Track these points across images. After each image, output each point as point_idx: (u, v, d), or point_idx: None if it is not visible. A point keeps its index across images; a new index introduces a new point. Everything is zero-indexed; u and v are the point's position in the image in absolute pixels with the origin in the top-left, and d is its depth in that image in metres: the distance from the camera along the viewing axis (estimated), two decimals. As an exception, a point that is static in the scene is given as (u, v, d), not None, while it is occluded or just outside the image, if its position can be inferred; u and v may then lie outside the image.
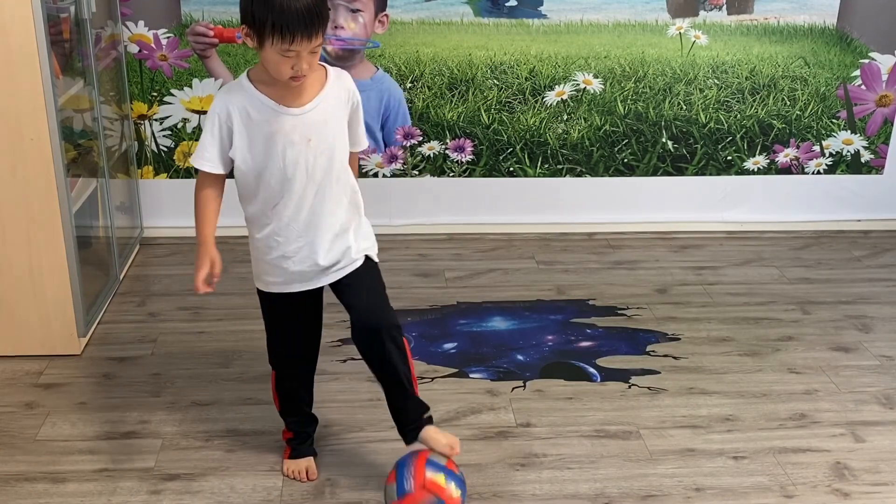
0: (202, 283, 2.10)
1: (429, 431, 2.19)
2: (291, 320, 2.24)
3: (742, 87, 3.75)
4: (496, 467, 2.39)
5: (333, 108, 2.07)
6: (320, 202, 2.09)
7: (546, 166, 3.80)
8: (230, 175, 2.12)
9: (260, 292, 2.24)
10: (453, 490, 2.10)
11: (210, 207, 2.12)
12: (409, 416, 2.22)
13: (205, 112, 3.64)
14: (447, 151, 3.76)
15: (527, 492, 2.30)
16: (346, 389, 2.70)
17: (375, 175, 3.77)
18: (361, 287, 2.17)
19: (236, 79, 2.07)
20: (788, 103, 3.80)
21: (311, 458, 2.35)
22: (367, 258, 2.20)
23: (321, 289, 2.20)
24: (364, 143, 2.21)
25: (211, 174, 2.08)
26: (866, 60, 3.75)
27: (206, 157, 2.05)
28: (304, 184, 2.06)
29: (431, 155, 3.77)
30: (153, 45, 3.54)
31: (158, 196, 3.75)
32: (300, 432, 2.36)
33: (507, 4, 3.61)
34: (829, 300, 3.35)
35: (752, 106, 3.79)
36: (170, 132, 3.67)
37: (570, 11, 3.62)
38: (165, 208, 3.76)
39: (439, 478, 2.09)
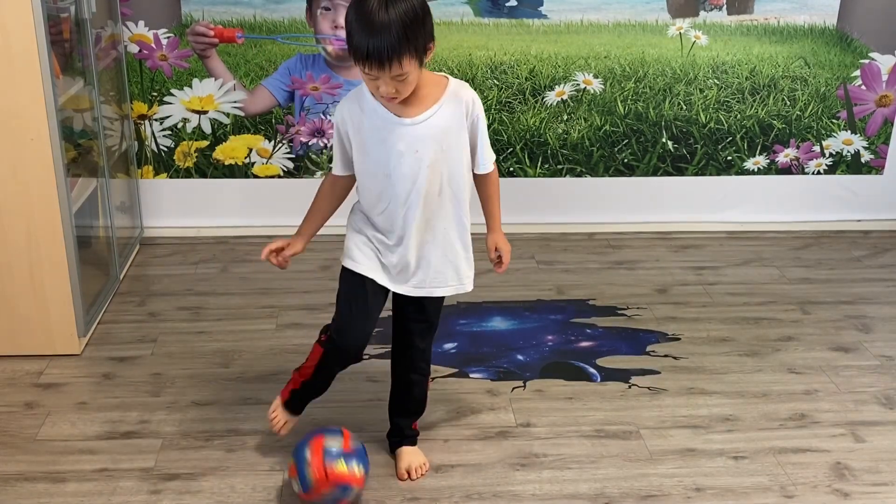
0: (268, 249, 2.20)
1: (402, 451, 2.37)
2: (364, 306, 2.20)
3: (742, 88, 3.75)
4: (496, 467, 2.39)
5: (447, 121, 2.04)
6: (428, 217, 2.10)
7: (546, 166, 3.80)
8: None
9: (344, 270, 2.22)
10: (356, 471, 2.14)
11: (318, 206, 2.22)
12: (398, 429, 2.40)
13: (205, 112, 3.64)
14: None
15: (527, 492, 2.30)
16: (346, 389, 2.70)
17: (375, 175, 3.77)
18: (427, 322, 2.27)
19: (359, 86, 2.08)
20: (788, 103, 3.80)
21: (297, 418, 2.37)
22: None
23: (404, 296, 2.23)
24: (488, 163, 2.15)
25: (331, 175, 2.18)
26: (866, 60, 3.75)
27: (335, 160, 2.16)
28: (409, 194, 2.06)
29: (431, 155, 3.76)
30: (153, 45, 3.54)
31: (158, 196, 3.75)
32: (305, 399, 2.35)
33: (507, 4, 3.61)
34: (829, 300, 3.35)
35: (752, 106, 3.79)
36: (170, 132, 3.67)
37: (570, 11, 3.62)
38: (165, 208, 3.76)
39: (339, 465, 2.12)
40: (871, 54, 3.74)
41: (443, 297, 2.23)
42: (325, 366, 2.28)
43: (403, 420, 2.39)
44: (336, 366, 2.29)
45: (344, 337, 2.20)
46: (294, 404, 2.34)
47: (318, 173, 3.74)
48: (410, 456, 2.36)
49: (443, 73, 2.09)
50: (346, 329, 2.20)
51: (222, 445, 2.46)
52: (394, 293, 2.22)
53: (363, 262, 2.17)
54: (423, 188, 2.06)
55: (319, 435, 2.18)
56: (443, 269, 2.17)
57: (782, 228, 3.95)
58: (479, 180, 2.19)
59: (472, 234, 2.20)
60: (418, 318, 2.26)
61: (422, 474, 2.34)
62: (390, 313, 2.33)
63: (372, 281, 2.17)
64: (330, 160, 3.71)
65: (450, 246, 2.16)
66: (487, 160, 2.15)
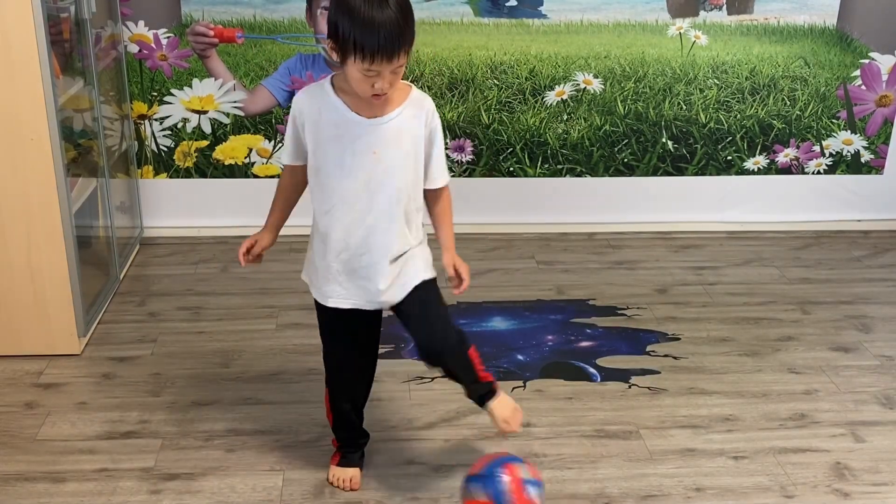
0: (241, 254, 2.21)
1: (491, 406, 2.23)
2: (347, 339, 2.20)
3: (742, 87, 3.75)
4: (496, 467, 2.38)
5: (408, 125, 2.02)
6: (376, 221, 2.04)
7: (546, 166, 3.80)
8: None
9: (318, 306, 2.18)
10: (537, 500, 2.08)
11: (279, 196, 2.19)
12: (473, 395, 2.26)
13: (205, 112, 3.64)
14: (447, 151, 3.76)
15: (527, 492, 2.30)
16: (346, 389, 2.70)
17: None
18: (420, 312, 2.14)
19: (320, 80, 2.08)
20: (788, 103, 3.80)
21: (358, 469, 2.32)
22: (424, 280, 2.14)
23: (380, 312, 2.18)
24: (440, 179, 2.11)
25: (286, 166, 2.15)
26: (866, 60, 3.75)
27: (285, 151, 2.13)
28: (360, 196, 2.03)
29: (431, 155, 3.76)
30: (153, 45, 3.54)
31: (158, 196, 3.75)
32: (351, 443, 2.33)
33: (507, 4, 3.61)
34: (829, 300, 3.35)
35: (752, 106, 3.79)
36: (170, 132, 3.67)
37: (570, 11, 3.62)
38: (165, 208, 3.76)
39: (534, 495, 2.06)
40: (871, 54, 3.74)
41: (416, 290, 2.13)
42: (335, 405, 2.28)
43: (470, 383, 2.24)
44: (340, 401, 2.27)
45: (334, 363, 2.24)
46: (349, 456, 2.33)
47: (318, 173, 3.74)
48: (500, 409, 2.23)
49: (406, 82, 2.05)
50: (332, 358, 2.24)
51: (222, 445, 2.46)
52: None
53: (329, 290, 2.12)
54: (375, 190, 2.02)
55: (516, 467, 2.09)
56: (403, 269, 2.10)
57: (782, 228, 3.95)
58: (431, 197, 2.14)
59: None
60: (410, 316, 2.16)
61: (519, 422, 2.26)
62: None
63: (344, 311, 2.13)
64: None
65: (399, 253, 2.08)
66: (440, 175, 2.11)
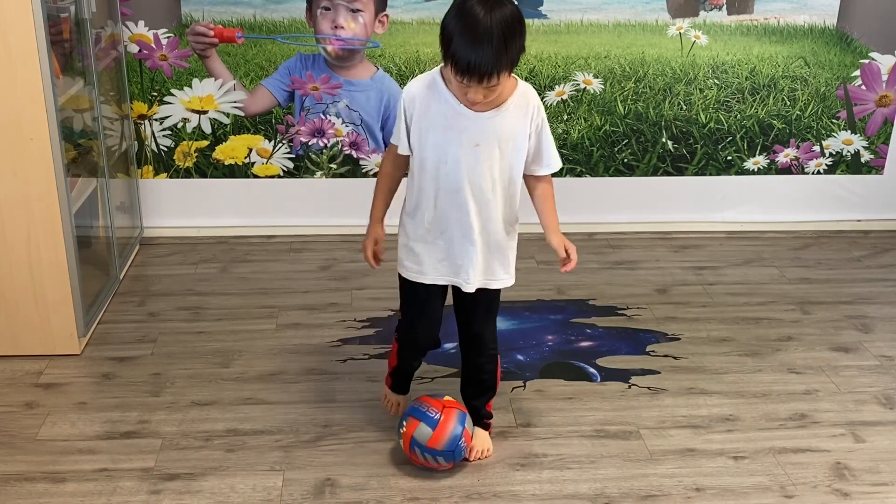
0: (371, 260, 2.29)
1: (477, 432, 2.43)
2: (424, 308, 2.31)
3: (742, 87, 3.75)
4: (496, 467, 2.39)
5: (512, 120, 2.10)
6: (476, 210, 2.15)
7: (546, 166, 3.80)
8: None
9: (400, 277, 2.31)
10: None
11: (383, 186, 2.26)
12: (474, 411, 2.43)
13: (205, 112, 3.64)
14: (447, 151, 3.76)
15: (527, 492, 2.30)
16: (346, 389, 2.70)
17: (376, 175, 3.77)
18: (484, 313, 2.32)
19: (434, 70, 2.12)
20: (788, 103, 3.80)
21: (406, 395, 2.54)
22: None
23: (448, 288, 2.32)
24: (552, 164, 2.21)
25: (393, 148, 2.20)
26: (866, 60, 3.75)
27: (396, 135, 2.17)
28: (461, 185, 2.11)
29: (431, 155, 3.76)
30: (153, 45, 3.54)
31: (158, 196, 3.75)
32: (403, 378, 2.52)
33: (507, 4, 3.60)
34: (828, 300, 3.35)
35: (752, 106, 3.79)
36: (170, 132, 3.67)
37: (570, 11, 3.62)
38: (165, 208, 3.76)
39: (445, 399, 2.34)
40: (871, 54, 3.74)
41: (496, 290, 2.29)
42: (404, 357, 2.46)
43: (479, 401, 2.43)
44: (413, 358, 2.48)
45: (411, 336, 2.39)
46: (397, 386, 2.52)
47: (318, 173, 3.74)
48: (479, 440, 2.41)
49: (513, 75, 2.10)
50: (411, 330, 2.38)
51: (222, 445, 2.45)
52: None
53: (412, 268, 2.25)
54: (475, 182, 2.11)
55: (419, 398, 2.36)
56: (490, 265, 2.23)
57: (782, 228, 3.95)
58: (540, 182, 2.24)
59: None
60: (474, 308, 2.30)
61: (486, 456, 2.41)
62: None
63: (425, 284, 2.26)
64: (330, 160, 3.73)
65: (496, 244, 2.21)
66: (553, 161, 2.21)
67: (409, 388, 2.55)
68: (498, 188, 2.15)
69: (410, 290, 2.30)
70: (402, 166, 2.22)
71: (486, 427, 2.46)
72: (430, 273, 2.24)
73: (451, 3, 1.98)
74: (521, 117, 2.10)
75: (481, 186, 2.12)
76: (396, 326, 2.47)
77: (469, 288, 2.23)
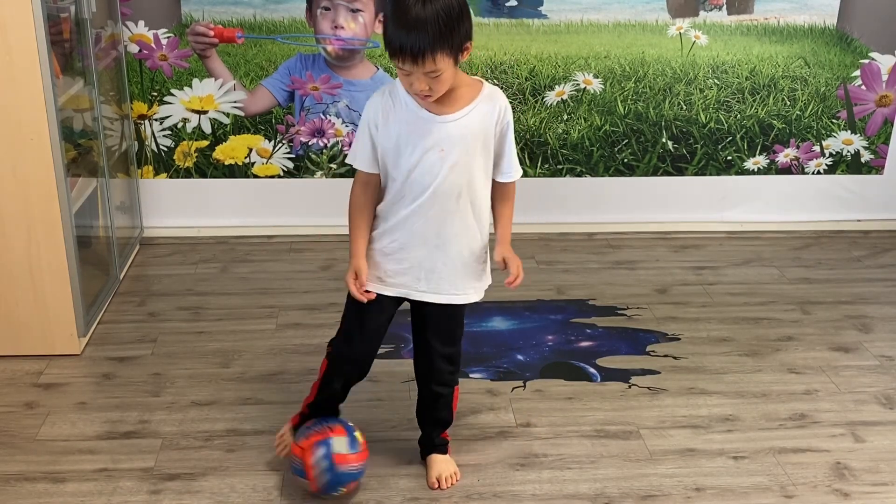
0: (359, 295, 2.12)
1: (432, 459, 2.34)
2: (372, 322, 2.19)
3: (742, 87, 3.75)
4: (496, 467, 2.39)
5: (478, 123, 2.02)
6: (441, 216, 2.07)
7: (546, 166, 3.80)
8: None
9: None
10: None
11: (360, 217, 2.12)
12: (427, 437, 2.36)
13: (205, 112, 3.64)
14: (447, 151, 3.76)
15: (527, 492, 2.30)
16: (346, 389, 2.70)
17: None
18: (446, 330, 2.23)
19: (392, 83, 2.07)
20: (788, 103, 3.80)
21: None
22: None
23: (400, 302, 2.20)
24: (513, 172, 2.12)
25: (361, 173, 2.10)
26: (866, 60, 3.75)
27: (356, 155, 2.08)
28: (426, 192, 2.04)
29: (431, 155, 3.76)
30: (153, 45, 3.54)
31: (158, 196, 3.75)
32: (325, 407, 2.34)
33: (507, 4, 3.61)
34: (828, 300, 3.35)
35: (752, 106, 3.79)
36: (170, 132, 3.67)
37: (570, 11, 3.62)
38: (165, 208, 3.76)
39: (301, 441, 2.20)
40: (871, 54, 3.74)
41: (460, 305, 2.19)
42: (332, 379, 2.26)
43: (432, 429, 2.35)
44: (339, 378, 2.26)
45: (347, 350, 2.22)
46: (298, 427, 2.32)
47: (318, 173, 3.74)
48: (441, 464, 2.32)
49: (478, 77, 2.08)
50: (349, 343, 2.22)
51: (222, 445, 2.45)
52: (411, 300, 2.19)
53: (368, 276, 2.14)
54: (441, 189, 2.04)
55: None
56: (452, 277, 2.14)
57: (782, 228, 3.95)
58: (499, 190, 2.15)
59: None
60: (434, 325, 2.21)
61: (452, 483, 2.30)
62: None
63: (380, 295, 2.15)
64: (330, 160, 3.73)
65: (459, 254, 2.12)
66: (513, 169, 2.12)
67: None
68: (465, 195, 2.06)
69: (359, 300, 2.15)
70: (374, 191, 2.11)
71: (445, 451, 2.35)
72: (388, 284, 2.14)
73: None
74: (487, 119, 2.03)
75: (447, 193, 2.04)
76: (329, 341, 2.29)
77: (429, 298, 2.14)
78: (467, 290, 2.18)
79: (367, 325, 2.18)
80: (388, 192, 2.10)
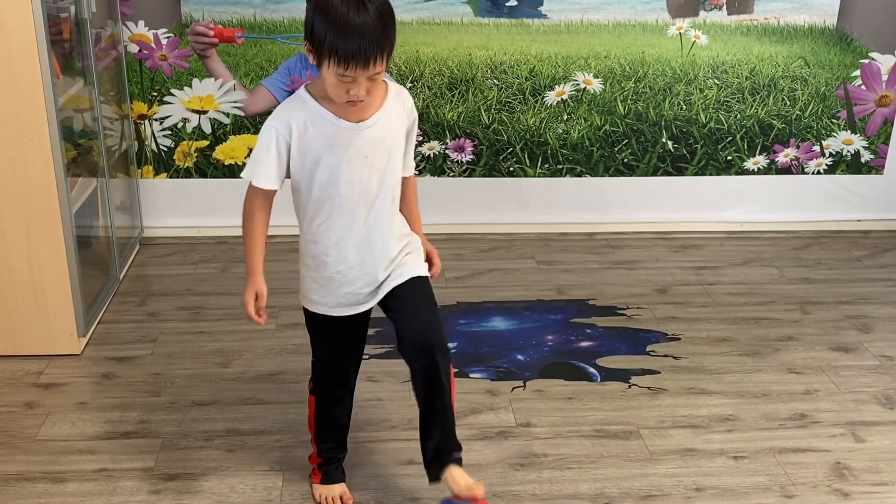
0: (254, 317, 2.05)
1: (453, 471, 2.08)
2: (339, 344, 2.14)
3: (742, 87, 3.75)
4: (496, 467, 2.39)
5: (393, 124, 1.99)
6: (374, 223, 2.01)
7: (546, 166, 3.80)
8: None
9: (306, 312, 2.15)
10: None
11: (259, 232, 2.06)
12: (440, 448, 2.10)
13: (205, 112, 3.64)
14: (447, 151, 3.76)
15: (527, 492, 2.30)
16: (346, 389, 2.70)
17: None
18: (415, 301, 2.07)
19: (295, 93, 2.01)
20: (788, 103, 3.80)
21: (344, 483, 2.26)
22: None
23: (369, 311, 2.13)
24: (412, 166, 2.12)
25: (262, 191, 2.01)
26: (866, 60, 3.75)
27: (262, 173, 1.98)
28: (357, 202, 1.98)
29: (431, 155, 3.77)
30: (153, 45, 3.54)
31: (158, 196, 3.75)
32: (332, 458, 2.25)
33: (507, 4, 3.61)
34: (828, 300, 3.35)
35: (752, 106, 3.79)
36: (170, 132, 3.67)
37: (570, 11, 3.62)
38: (165, 208, 3.76)
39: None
40: (871, 54, 3.74)
41: (417, 278, 2.09)
42: (328, 405, 2.20)
43: (444, 430, 2.10)
44: (337, 402, 2.21)
45: (330, 371, 2.17)
46: (332, 473, 2.26)
47: (318, 173, 3.74)
48: (464, 476, 2.08)
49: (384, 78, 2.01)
50: (328, 367, 2.17)
51: (222, 445, 2.46)
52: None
53: (319, 301, 2.09)
54: (369, 194, 1.99)
55: None
56: (395, 264, 2.07)
57: (782, 228, 3.95)
58: (405, 184, 2.11)
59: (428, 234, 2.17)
60: (404, 297, 2.08)
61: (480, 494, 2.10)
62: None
63: (337, 318, 2.09)
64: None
65: (386, 249, 2.06)
66: (412, 163, 2.13)
67: (343, 474, 2.26)
68: (387, 195, 2.01)
69: (319, 325, 2.11)
70: (270, 205, 2.04)
71: (459, 462, 2.11)
72: (339, 305, 2.08)
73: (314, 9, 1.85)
74: (399, 118, 2.00)
75: (377, 198, 1.99)
76: (311, 378, 2.22)
77: (388, 287, 2.05)
78: (415, 269, 2.08)
79: (340, 343, 2.13)
80: (315, 209, 2.02)
